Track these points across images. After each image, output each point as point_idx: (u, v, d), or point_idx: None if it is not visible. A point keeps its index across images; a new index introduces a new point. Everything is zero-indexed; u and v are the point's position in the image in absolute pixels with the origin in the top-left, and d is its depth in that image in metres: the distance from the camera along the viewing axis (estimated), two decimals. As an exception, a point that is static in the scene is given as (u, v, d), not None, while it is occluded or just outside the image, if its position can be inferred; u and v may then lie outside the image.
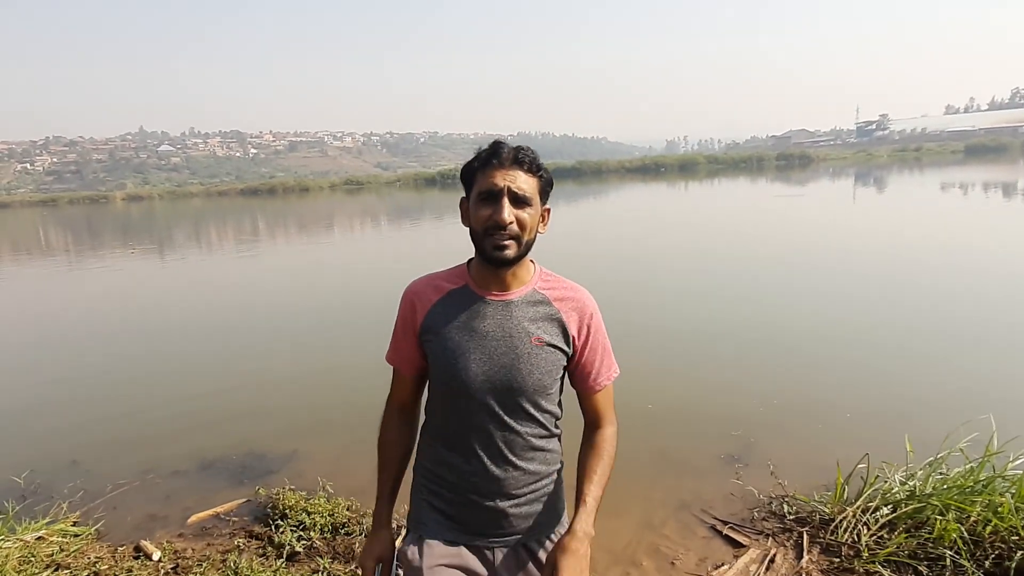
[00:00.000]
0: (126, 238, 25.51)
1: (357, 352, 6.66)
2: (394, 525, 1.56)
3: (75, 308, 10.73)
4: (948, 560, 2.59)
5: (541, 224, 1.37)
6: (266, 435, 4.77)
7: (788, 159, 72.04)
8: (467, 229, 1.36)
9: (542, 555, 1.45)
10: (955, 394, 4.85)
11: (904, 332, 6.46)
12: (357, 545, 3.16)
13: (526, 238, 1.31)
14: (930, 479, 3.09)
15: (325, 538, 3.23)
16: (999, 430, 3.18)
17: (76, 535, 3.38)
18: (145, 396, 5.88)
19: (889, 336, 6.34)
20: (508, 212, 1.27)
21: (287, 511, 3.43)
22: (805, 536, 3.02)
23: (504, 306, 1.37)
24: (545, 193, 1.36)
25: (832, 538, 2.95)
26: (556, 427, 1.48)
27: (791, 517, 3.24)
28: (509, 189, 1.27)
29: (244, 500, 3.78)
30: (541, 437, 1.43)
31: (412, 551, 1.43)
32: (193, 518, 3.61)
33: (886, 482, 3.20)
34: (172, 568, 3.04)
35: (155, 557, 3.11)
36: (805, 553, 2.89)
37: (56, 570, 2.97)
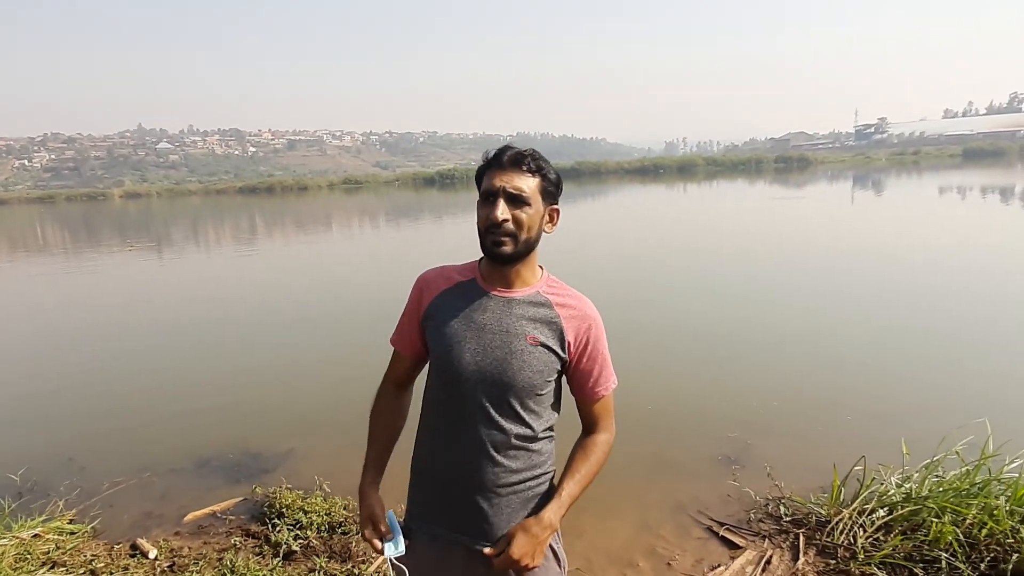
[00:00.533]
0: (124, 236, 25.47)
1: (355, 350, 6.66)
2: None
3: (71, 305, 10.70)
4: (944, 563, 2.60)
5: (548, 224, 1.42)
6: (263, 433, 4.77)
7: (786, 162, 72.19)
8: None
9: None
10: (951, 397, 4.87)
11: (900, 335, 6.48)
12: (354, 544, 3.16)
13: (524, 236, 1.35)
14: (926, 482, 3.10)
15: (322, 537, 3.24)
16: (995, 433, 3.19)
17: (72, 533, 3.38)
18: (142, 394, 5.87)
19: (885, 339, 6.35)
20: (502, 211, 1.32)
21: (284, 510, 3.43)
22: (801, 538, 3.03)
23: (506, 303, 1.41)
24: (549, 193, 1.39)
25: (828, 540, 2.96)
26: (546, 431, 1.47)
27: (787, 519, 3.25)
28: (504, 189, 1.32)
29: (241, 499, 3.78)
30: (526, 438, 1.42)
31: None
32: (189, 516, 3.60)
33: (882, 484, 3.21)
34: (168, 566, 3.03)
35: (151, 555, 3.11)
36: (801, 555, 2.90)
37: (52, 568, 2.97)
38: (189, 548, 3.23)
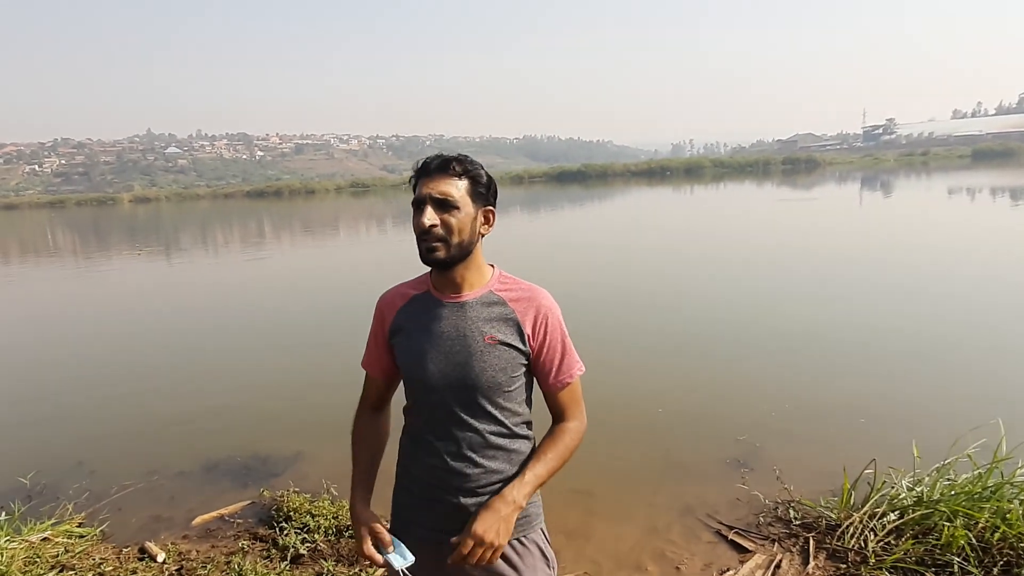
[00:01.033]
0: (133, 240, 25.63)
1: (361, 354, 6.65)
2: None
3: (81, 309, 10.78)
4: (956, 567, 2.57)
5: (484, 225, 1.43)
6: (271, 437, 4.78)
7: (794, 163, 71.78)
8: None
9: (513, 557, 1.44)
10: (963, 399, 4.82)
11: (911, 336, 6.43)
12: (361, 548, 3.15)
13: (456, 240, 1.36)
14: (938, 485, 3.07)
15: (329, 541, 3.23)
16: (1007, 435, 3.15)
17: (81, 536, 3.39)
18: (150, 397, 5.90)
19: (896, 340, 6.30)
20: (429, 217, 1.33)
21: (291, 513, 3.43)
22: (811, 542, 3.01)
23: (459, 307, 1.43)
24: (480, 195, 1.40)
25: (839, 544, 2.93)
26: (522, 428, 1.48)
27: (797, 522, 3.22)
28: (430, 196, 1.35)
29: (248, 502, 3.78)
30: (503, 436, 1.43)
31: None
32: (198, 520, 3.61)
33: (893, 488, 3.18)
34: (176, 570, 3.04)
35: (159, 559, 3.11)
36: (811, 559, 2.88)
37: (61, 571, 2.98)
38: (197, 552, 3.24)
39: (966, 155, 71.24)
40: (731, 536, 3.19)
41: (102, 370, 6.97)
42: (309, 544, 3.18)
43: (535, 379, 1.49)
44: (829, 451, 4.06)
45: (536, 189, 52.52)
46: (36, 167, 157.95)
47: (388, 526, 1.49)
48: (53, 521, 3.48)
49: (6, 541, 3.11)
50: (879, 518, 2.97)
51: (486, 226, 1.43)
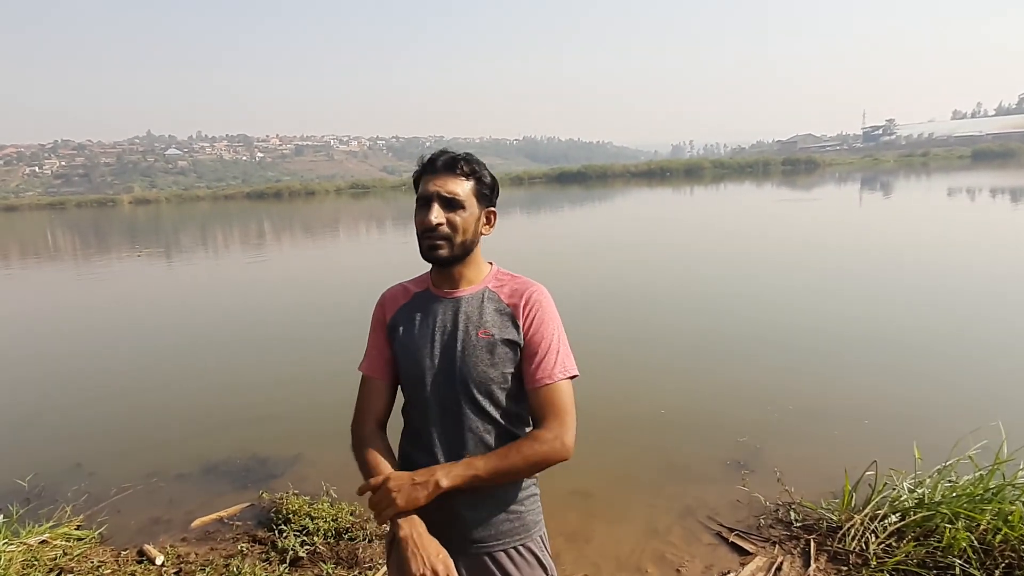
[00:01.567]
0: (133, 241, 25.62)
1: (362, 355, 6.64)
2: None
3: (81, 311, 10.77)
4: (958, 569, 2.55)
5: (485, 226, 1.44)
6: (270, 439, 4.77)
7: (794, 164, 71.78)
8: None
9: (509, 566, 1.40)
10: (964, 401, 4.81)
11: (912, 338, 6.41)
12: (360, 550, 3.15)
13: (459, 239, 1.38)
14: (939, 487, 3.06)
15: (328, 543, 3.22)
16: (1009, 437, 3.14)
17: (80, 539, 3.38)
18: (150, 399, 5.89)
19: (897, 342, 6.29)
20: (436, 215, 1.35)
21: (291, 516, 3.42)
22: (812, 544, 2.99)
23: (455, 303, 1.43)
24: (484, 196, 1.42)
25: (840, 546, 2.92)
26: (520, 428, 1.44)
27: (798, 524, 3.21)
28: (438, 194, 1.36)
29: (248, 504, 3.77)
30: (499, 436, 1.40)
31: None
32: (196, 522, 3.60)
33: (894, 489, 3.17)
34: (175, 572, 3.03)
35: (158, 561, 3.10)
36: (812, 561, 2.86)
37: (59, 574, 2.97)
38: (196, 554, 3.23)
39: (966, 156, 71.26)
40: (731, 538, 3.18)
41: (101, 371, 6.96)
42: (308, 547, 3.17)
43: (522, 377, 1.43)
44: (830, 453, 4.05)
45: (536, 190, 52.53)
46: (36, 169, 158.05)
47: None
48: (51, 523, 3.47)
49: (4, 543, 3.10)
50: (880, 520, 2.96)
51: (487, 226, 1.45)
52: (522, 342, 1.39)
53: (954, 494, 2.95)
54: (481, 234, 1.43)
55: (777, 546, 3.06)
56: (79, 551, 3.20)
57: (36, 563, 3.01)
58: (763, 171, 65.99)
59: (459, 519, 1.39)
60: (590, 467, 3.92)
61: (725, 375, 5.70)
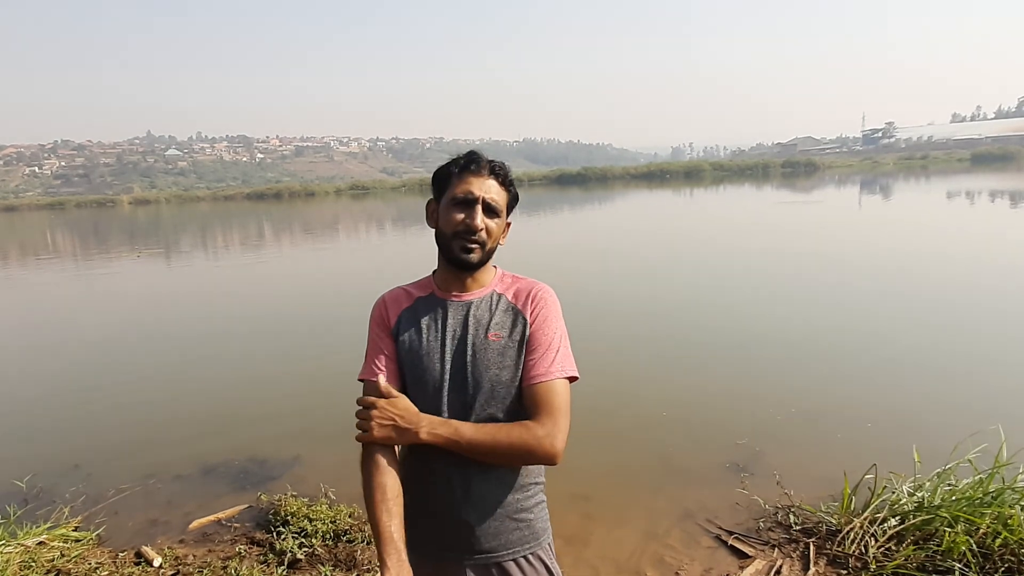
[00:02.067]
0: (132, 242, 25.61)
1: (362, 358, 6.64)
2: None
3: (79, 313, 10.76)
4: (957, 573, 2.55)
5: (503, 235, 1.45)
6: (269, 441, 4.76)
7: (794, 166, 71.92)
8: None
9: (517, 574, 1.38)
10: (963, 404, 4.81)
11: (912, 341, 6.41)
12: (359, 552, 3.14)
13: (490, 245, 1.39)
14: (938, 490, 3.05)
15: (327, 545, 3.22)
16: (1008, 441, 3.14)
17: (77, 540, 3.37)
18: (148, 401, 5.88)
19: (896, 346, 6.29)
20: (481, 219, 1.35)
21: (289, 518, 3.42)
22: (811, 547, 2.99)
23: (463, 306, 1.41)
24: (510, 207, 1.44)
25: (839, 549, 2.92)
26: None
27: (797, 528, 3.21)
28: (484, 199, 1.35)
29: (246, 506, 3.77)
30: None
31: None
32: (194, 524, 3.59)
33: (894, 493, 3.16)
34: (172, 574, 3.02)
35: (156, 563, 3.09)
36: (811, 565, 2.86)
37: (56, 575, 2.96)
38: (193, 556, 3.22)
39: (965, 159, 71.40)
40: (731, 541, 3.18)
41: (100, 373, 6.95)
42: (307, 549, 3.17)
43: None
44: (829, 456, 4.04)
45: (536, 192, 52.54)
46: (36, 169, 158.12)
47: None
48: (49, 525, 3.46)
49: (1, 545, 3.09)
50: (880, 523, 2.95)
51: (503, 237, 1.45)
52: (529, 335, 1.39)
53: (953, 498, 2.95)
54: (499, 244, 1.44)
55: (776, 549, 3.06)
56: (77, 553, 3.19)
57: (33, 564, 3.00)
58: (763, 173, 66.12)
59: (466, 528, 1.36)
60: (589, 469, 3.92)
61: (725, 378, 5.69)
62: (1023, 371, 5.46)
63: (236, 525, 3.57)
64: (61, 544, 3.28)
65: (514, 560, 1.39)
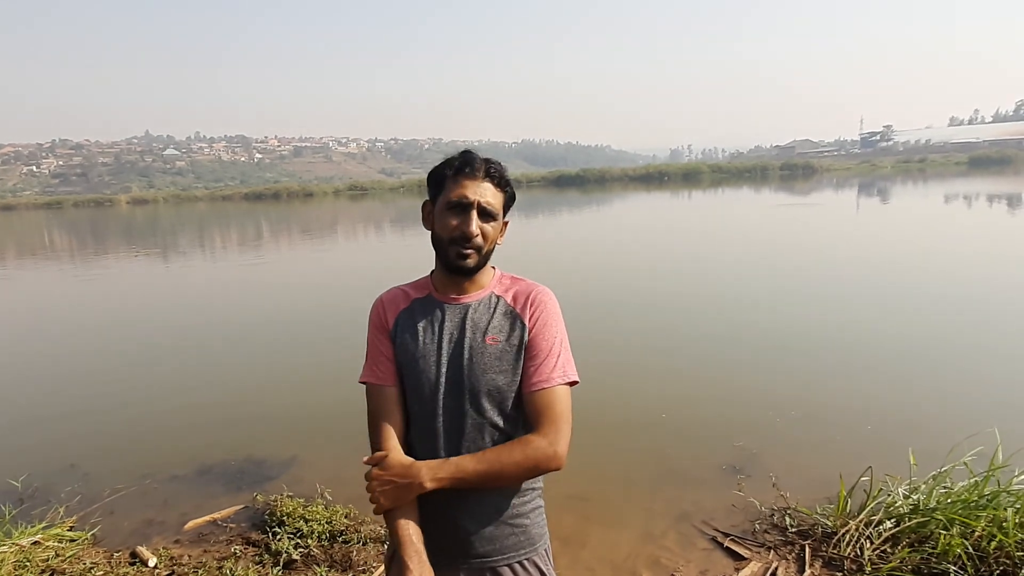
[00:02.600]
0: (130, 242, 25.58)
1: (360, 357, 6.63)
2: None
3: (75, 312, 10.74)
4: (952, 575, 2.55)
5: (500, 236, 1.42)
6: (265, 441, 4.75)
7: (792, 169, 71.96)
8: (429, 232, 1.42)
9: None
10: (959, 407, 4.82)
11: (908, 344, 6.42)
12: (355, 553, 3.14)
13: (487, 249, 1.37)
14: (934, 493, 3.06)
15: (323, 546, 3.21)
16: (1004, 443, 3.15)
17: (72, 540, 3.37)
18: (144, 401, 5.86)
19: (893, 348, 6.30)
20: (476, 225, 1.33)
21: (285, 518, 3.41)
22: (807, 549, 2.99)
23: (461, 309, 1.40)
24: (507, 207, 1.42)
25: (834, 552, 2.92)
26: None
27: (793, 530, 3.21)
28: (479, 203, 1.33)
29: (242, 506, 3.76)
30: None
31: None
32: (190, 524, 3.59)
33: (889, 495, 3.17)
34: (168, 574, 3.02)
35: (151, 563, 3.09)
36: (807, 567, 2.86)
37: (51, 575, 2.95)
38: (189, 556, 3.21)
39: (963, 162, 71.54)
40: (727, 543, 3.18)
41: (95, 371, 6.94)
42: (302, 549, 3.16)
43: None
44: (825, 458, 4.04)
45: (535, 193, 52.54)
46: (34, 168, 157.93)
47: None
48: (44, 524, 3.45)
49: (-4, 545, 3.08)
50: (875, 526, 2.96)
51: (500, 236, 1.43)
52: (528, 339, 1.37)
53: (949, 500, 2.96)
54: (496, 244, 1.41)
55: (772, 551, 3.06)
56: (72, 552, 3.19)
57: (28, 564, 2.99)
58: (761, 176, 66.16)
59: (462, 532, 1.35)
60: (586, 471, 3.92)
61: (721, 380, 5.69)
62: (1018, 374, 5.47)
63: (232, 525, 3.56)
64: (56, 544, 3.27)
65: (509, 565, 1.38)
